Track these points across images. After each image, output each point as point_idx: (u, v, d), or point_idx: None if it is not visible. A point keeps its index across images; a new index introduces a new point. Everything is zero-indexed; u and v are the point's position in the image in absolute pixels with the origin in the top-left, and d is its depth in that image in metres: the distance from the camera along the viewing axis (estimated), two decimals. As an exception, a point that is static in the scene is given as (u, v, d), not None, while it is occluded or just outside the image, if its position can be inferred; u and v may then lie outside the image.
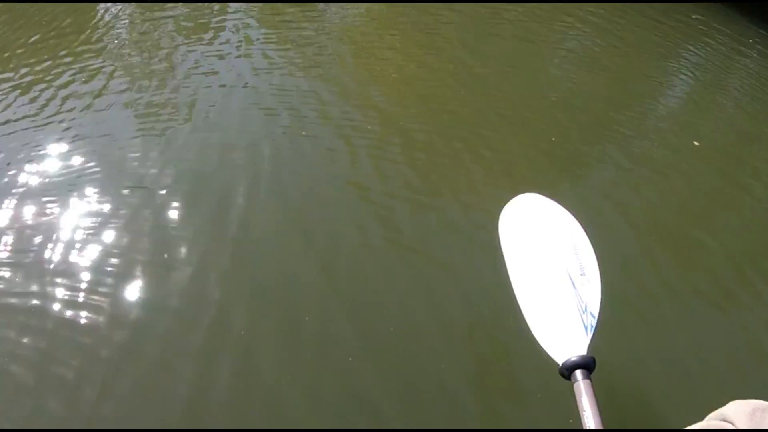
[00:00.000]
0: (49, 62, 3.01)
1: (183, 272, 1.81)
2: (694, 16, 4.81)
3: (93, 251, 1.86)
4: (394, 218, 2.12)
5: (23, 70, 2.94)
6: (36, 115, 2.57)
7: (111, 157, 2.31)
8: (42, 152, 2.32)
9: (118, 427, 1.43)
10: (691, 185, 2.63)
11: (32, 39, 3.28)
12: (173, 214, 2.03)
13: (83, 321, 1.64)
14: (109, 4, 3.82)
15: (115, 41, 3.33)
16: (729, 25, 4.79)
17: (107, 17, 3.66)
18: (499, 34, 4.10)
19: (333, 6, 4.15)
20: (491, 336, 1.71)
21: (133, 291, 1.74)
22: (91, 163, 2.26)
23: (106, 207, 2.05)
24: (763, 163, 3.01)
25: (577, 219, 1.44)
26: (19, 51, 3.16)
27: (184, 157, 2.35)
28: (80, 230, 1.94)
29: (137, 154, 2.32)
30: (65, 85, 2.81)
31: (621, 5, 4.80)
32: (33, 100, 2.68)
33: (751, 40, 4.62)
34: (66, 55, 3.10)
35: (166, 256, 1.86)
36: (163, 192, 2.13)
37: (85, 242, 1.90)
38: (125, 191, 2.13)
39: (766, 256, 2.25)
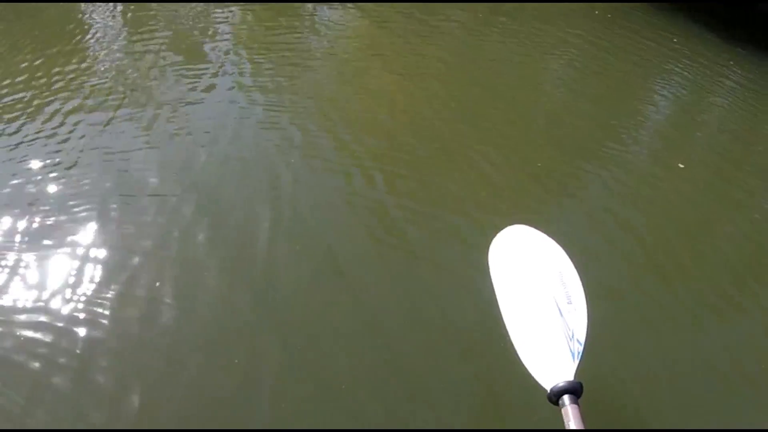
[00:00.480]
0: (53, 86, 3.08)
1: (208, 298, 1.88)
2: (674, 40, 4.97)
3: (115, 275, 1.92)
4: (396, 233, 2.23)
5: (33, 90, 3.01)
6: (47, 139, 2.62)
7: (128, 178, 2.40)
8: (60, 178, 2.37)
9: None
10: (677, 208, 2.71)
11: (38, 57, 3.35)
12: (195, 238, 2.11)
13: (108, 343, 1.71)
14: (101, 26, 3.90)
15: (115, 64, 3.40)
16: (708, 48, 4.97)
17: (101, 37, 3.73)
18: (485, 57, 4.21)
19: (322, 29, 4.25)
20: (481, 362, 1.77)
21: (161, 317, 1.80)
22: (106, 184, 2.34)
23: (129, 228, 2.13)
24: (748, 175, 3.12)
25: (564, 248, 1.51)
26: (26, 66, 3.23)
27: (202, 179, 2.43)
28: (101, 254, 2.00)
29: (156, 179, 2.39)
30: (75, 110, 2.86)
31: (603, 30, 4.95)
32: (42, 124, 2.73)
33: (731, 62, 4.78)
34: (69, 78, 3.16)
35: (190, 280, 1.95)
36: (186, 215, 2.20)
37: (107, 266, 1.96)
38: (147, 204, 2.24)
39: (754, 276, 2.33)
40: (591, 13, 5.40)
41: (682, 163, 3.10)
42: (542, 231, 1.58)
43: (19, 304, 1.79)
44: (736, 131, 3.74)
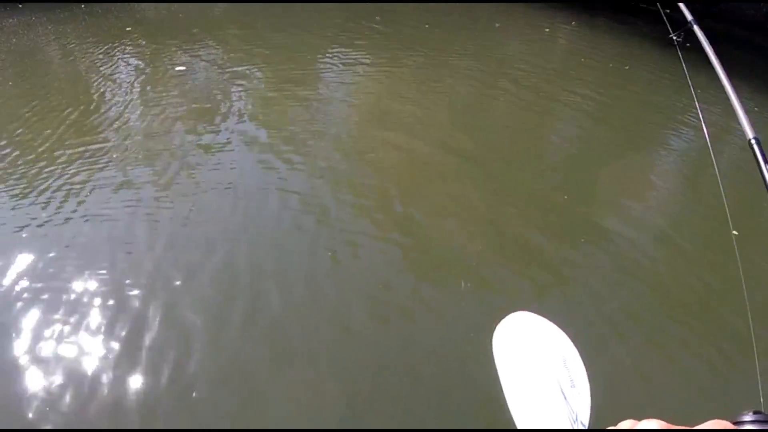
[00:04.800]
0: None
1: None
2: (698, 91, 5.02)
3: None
4: (399, 314, 2.33)
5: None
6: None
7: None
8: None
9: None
10: (674, 286, 2.69)
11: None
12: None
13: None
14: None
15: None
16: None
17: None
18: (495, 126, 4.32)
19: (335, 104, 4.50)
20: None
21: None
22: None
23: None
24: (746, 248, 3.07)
25: (567, 333, 1.60)
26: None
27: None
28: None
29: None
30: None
31: (606, 87, 5.03)
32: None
33: (756, 108, 4.80)
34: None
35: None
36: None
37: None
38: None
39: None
40: (606, 67, 5.53)
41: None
42: (545, 315, 1.66)
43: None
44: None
